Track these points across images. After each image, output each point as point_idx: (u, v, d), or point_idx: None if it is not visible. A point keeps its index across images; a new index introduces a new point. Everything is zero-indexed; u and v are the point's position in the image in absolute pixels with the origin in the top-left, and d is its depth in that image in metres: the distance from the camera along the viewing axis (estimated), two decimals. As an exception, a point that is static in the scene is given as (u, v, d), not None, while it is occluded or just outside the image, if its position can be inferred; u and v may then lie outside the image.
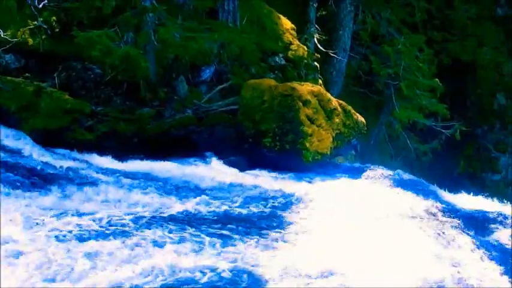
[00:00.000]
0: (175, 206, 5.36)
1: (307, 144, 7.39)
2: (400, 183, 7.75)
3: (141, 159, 6.97)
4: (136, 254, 4.13)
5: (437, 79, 10.54)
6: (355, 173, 7.99)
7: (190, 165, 7.12)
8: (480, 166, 12.56)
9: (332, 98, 8.21)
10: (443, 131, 10.99)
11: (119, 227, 4.57)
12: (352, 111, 8.37)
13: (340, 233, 5.38)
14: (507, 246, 5.96)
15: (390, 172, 8.36)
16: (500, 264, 5.35)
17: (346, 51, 10.66)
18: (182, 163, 7.08)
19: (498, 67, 12.18)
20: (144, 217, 4.90)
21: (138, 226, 4.67)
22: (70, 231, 4.33)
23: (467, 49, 11.98)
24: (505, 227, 6.45)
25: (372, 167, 8.61)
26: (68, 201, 5.20)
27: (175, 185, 6.24)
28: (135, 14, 7.29)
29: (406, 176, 8.44)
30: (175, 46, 7.48)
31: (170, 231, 4.67)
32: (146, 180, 6.21)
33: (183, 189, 6.17)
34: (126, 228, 4.58)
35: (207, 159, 7.43)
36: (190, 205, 5.45)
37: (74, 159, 6.65)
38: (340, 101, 8.38)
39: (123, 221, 4.70)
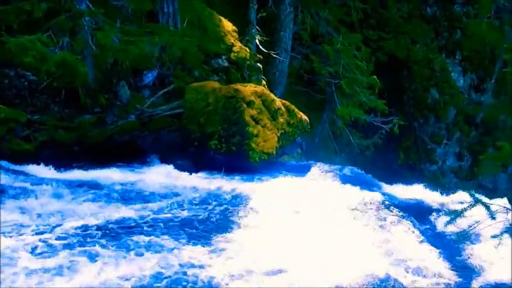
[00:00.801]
0: (119, 214, 5.19)
1: (253, 145, 7.45)
2: (345, 178, 7.98)
3: (84, 168, 6.75)
4: (80, 265, 4.03)
5: (375, 76, 10.96)
6: (301, 171, 8.15)
7: (136, 171, 6.99)
8: (418, 158, 13.11)
9: (275, 98, 8.32)
10: (383, 125, 11.43)
11: (60, 240, 4.40)
12: (296, 110, 8.52)
13: (287, 231, 5.47)
14: (445, 233, 6.27)
15: (335, 168, 8.61)
16: (439, 250, 5.65)
17: (287, 52, 10.85)
18: (127, 170, 6.93)
19: (430, 63, 12.80)
20: (87, 227, 4.74)
21: (80, 238, 4.52)
22: (7, 247, 4.14)
23: (402, 46, 12.52)
24: (442, 215, 6.77)
25: (317, 164, 8.82)
26: (4, 214, 4.95)
27: (119, 193, 6.07)
28: (70, 17, 7.04)
29: (350, 171, 8.70)
30: (114, 50, 7.30)
31: (113, 240, 4.55)
32: (89, 189, 6.01)
33: (128, 196, 6.02)
34: (67, 241, 4.42)
35: (153, 164, 7.33)
36: (136, 212, 5.33)
37: (11, 170, 6.35)
38: (284, 101, 8.52)
39: (65, 234, 4.54)
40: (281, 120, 8.01)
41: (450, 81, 13.02)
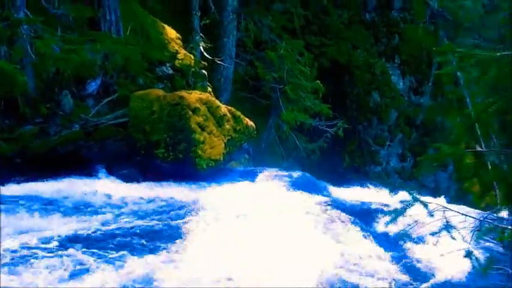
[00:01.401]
0: (63, 228, 5.04)
1: (200, 152, 7.42)
2: (292, 182, 8.10)
3: (26, 180, 6.47)
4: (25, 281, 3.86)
5: (318, 81, 11.22)
6: (249, 176, 8.20)
7: (81, 182, 6.77)
8: (363, 160, 13.48)
9: (221, 104, 8.34)
10: (328, 129, 11.70)
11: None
12: (242, 116, 8.58)
13: (236, 237, 5.48)
14: (391, 232, 6.48)
15: (282, 172, 8.73)
16: (386, 249, 5.85)
17: (232, 58, 10.90)
18: (71, 181, 6.70)
19: (371, 67, 13.25)
20: (27, 243, 4.55)
21: (20, 254, 4.33)
22: None
23: (343, 52, 12.89)
24: (386, 214, 6.99)
25: (264, 169, 8.92)
26: None
27: (63, 205, 5.88)
28: (8, 26, 6.76)
29: (297, 175, 8.85)
30: (55, 59, 7.07)
31: (60, 255, 4.40)
32: (31, 202, 5.78)
33: (72, 208, 5.84)
34: (10, 258, 4.23)
35: (99, 175, 7.12)
36: (80, 225, 5.18)
37: None
38: (229, 107, 8.55)
39: (7, 251, 4.33)
40: (227, 126, 8.03)
41: (390, 84, 13.50)
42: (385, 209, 6.98)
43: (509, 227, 2.88)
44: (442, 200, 7.96)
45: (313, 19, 12.59)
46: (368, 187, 9.44)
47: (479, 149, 3.88)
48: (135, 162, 7.49)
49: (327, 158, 12.64)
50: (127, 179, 7.13)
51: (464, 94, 9.11)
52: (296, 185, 7.94)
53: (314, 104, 11.09)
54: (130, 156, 7.52)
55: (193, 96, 7.80)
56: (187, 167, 7.43)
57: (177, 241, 5.19)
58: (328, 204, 7.12)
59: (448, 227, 3.37)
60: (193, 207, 6.23)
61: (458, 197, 12.09)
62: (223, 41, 10.82)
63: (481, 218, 2.98)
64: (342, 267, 5.26)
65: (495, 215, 4.99)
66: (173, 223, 5.68)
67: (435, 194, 10.80)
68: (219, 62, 10.35)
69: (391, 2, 13.53)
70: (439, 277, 5.28)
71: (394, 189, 9.84)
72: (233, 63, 10.97)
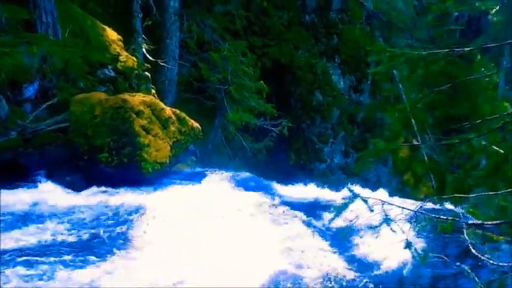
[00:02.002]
0: (3, 241, 4.82)
1: (145, 155, 7.31)
2: (239, 183, 8.16)
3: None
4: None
5: (262, 81, 11.35)
6: (196, 178, 8.18)
7: (19, 191, 6.47)
8: (308, 157, 13.79)
9: (165, 106, 8.25)
10: (273, 128, 11.87)
11: None
12: (187, 118, 8.53)
13: (186, 240, 5.46)
14: (334, 228, 6.67)
15: (229, 173, 8.76)
16: (332, 245, 6.03)
17: (175, 60, 10.81)
18: (9, 191, 6.39)
19: (312, 67, 13.57)
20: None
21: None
22: None
23: (285, 53, 13.12)
24: (329, 211, 7.18)
25: (211, 170, 8.93)
26: None
27: (4, 216, 5.60)
28: None
29: (244, 175, 8.93)
30: (-14, 62, 6.71)
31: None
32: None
33: (9, 220, 5.57)
34: None
35: (40, 183, 6.84)
36: (21, 237, 4.97)
37: None
38: (174, 109, 8.48)
39: None
40: (172, 128, 7.96)
41: (331, 83, 13.89)
42: (329, 204, 7.20)
43: (442, 217, 3.08)
44: (382, 194, 8.31)
45: (254, 20, 12.72)
46: (313, 184, 9.66)
47: (414, 143, 4.09)
48: (77, 168, 7.26)
49: (274, 157, 12.82)
50: (70, 185, 6.90)
51: (400, 91, 9.55)
52: (243, 185, 8.01)
53: (258, 104, 11.21)
54: (73, 162, 7.29)
55: (137, 98, 7.67)
56: (132, 171, 7.30)
57: (125, 248, 5.10)
58: (275, 203, 7.23)
59: (387, 220, 3.54)
60: (140, 212, 6.13)
61: (398, 190, 12.65)
62: (166, 42, 10.70)
63: (416, 210, 3.16)
64: (289, 264, 5.38)
65: (431, 205, 5.30)
66: (119, 230, 5.57)
67: (377, 187, 11.23)
68: (162, 63, 10.23)
69: (329, 4, 13.91)
70: (382, 268, 5.51)
71: (339, 185, 10.14)
72: (177, 65, 10.88)
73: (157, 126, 7.64)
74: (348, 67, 14.14)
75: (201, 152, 10.24)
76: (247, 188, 7.81)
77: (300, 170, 13.48)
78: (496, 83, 14.41)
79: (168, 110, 8.12)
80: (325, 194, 8.44)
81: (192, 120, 8.70)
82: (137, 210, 6.20)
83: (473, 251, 2.91)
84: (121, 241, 5.28)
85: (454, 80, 3.02)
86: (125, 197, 6.70)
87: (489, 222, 2.93)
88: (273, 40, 12.98)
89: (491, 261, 2.97)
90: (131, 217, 5.97)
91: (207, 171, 8.85)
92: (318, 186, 9.39)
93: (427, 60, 3.07)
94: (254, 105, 11.15)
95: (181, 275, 4.58)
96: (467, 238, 2.93)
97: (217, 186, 7.92)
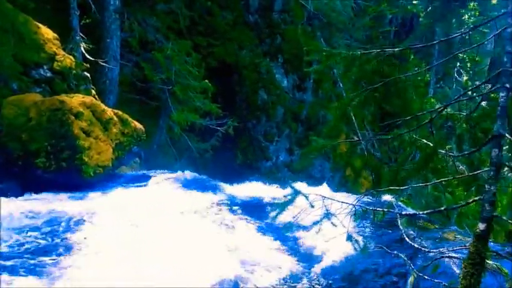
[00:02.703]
0: None
1: (86, 159, 7.08)
2: (186, 183, 8.08)
3: None
4: None
5: (207, 81, 11.29)
6: (141, 181, 8.02)
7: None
8: (254, 156, 13.87)
9: (106, 108, 8.02)
10: (219, 128, 11.84)
11: None
12: (130, 119, 8.34)
13: (131, 245, 5.35)
14: (279, 225, 6.74)
15: (175, 174, 8.66)
16: (279, 242, 6.11)
17: (117, 60, 10.51)
18: None
19: (257, 67, 13.67)
20: None
21: None
22: None
23: (230, 52, 13.13)
24: (273, 208, 7.25)
25: (157, 172, 8.77)
26: None
27: None
28: None
29: (190, 176, 8.85)
30: None
31: None
32: None
33: None
34: None
35: (-29, 191, 6.46)
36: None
37: None
38: (116, 110, 8.26)
39: None
40: (114, 130, 7.75)
41: (275, 82, 14.05)
42: (275, 202, 7.29)
43: (379, 209, 3.21)
44: (325, 189, 8.52)
45: (199, 20, 12.63)
46: (260, 182, 9.73)
47: (353, 138, 4.22)
48: (12, 174, 6.91)
49: (220, 156, 12.79)
50: (4, 193, 6.55)
51: (340, 90, 9.83)
52: (189, 185, 7.94)
53: (204, 103, 11.15)
54: (7, 168, 6.92)
55: (76, 100, 7.40)
56: (72, 176, 7.04)
57: (66, 256, 4.92)
58: (222, 202, 7.23)
59: (327, 214, 3.63)
60: (81, 218, 5.93)
61: (342, 185, 13.02)
62: (107, 41, 10.38)
63: (354, 203, 3.28)
64: (237, 263, 5.40)
65: (373, 198, 5.49)
66: (60, 237, 5.37)
67: (321, 183, 11.50)
68: (103, 63, 9.91)
69: (271, 4, 14.07)
70: (326, 261, 5.66)
71: (285, 182, 10.27)
72: (118, 65, 10.58)
73: (98, 128, 7.41)
74: (291, 66, 14.36)
75: (146, 153, 10.05)
76: (194, 189, 7.75)
77: (247, 169, 13.54)
78: (428, 81, 15.21)
79: (110, 111, 7.90)
80: (271, 192, 8.51)
81: (135, 121, 8.51)
82: (78, 216, 5.99)
83: (406, 239, 3.05)
84: (61, 249, 5.09)
85: (385, 79, 3.16)
86: (65, 203, 6.46)
87: (421, 212, 3.08)
88: (217, 40, 12.94)
89: (423, 248, 3.13)
90: (72, 224, 5.76)
91: (152, 173, 8.69)
92: (264, 184, 9.45)
93: (361, 59, 3.19)
94: (199, 105, 11.07)
95: (126, 280, 4.48)
96: (401, 228, 3.06)
97: (163, 188, 7.80)
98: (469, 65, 17.24)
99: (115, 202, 6.68)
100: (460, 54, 17.31)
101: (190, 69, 10.79)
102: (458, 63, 17.33)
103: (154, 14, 11.23)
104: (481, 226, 2.69)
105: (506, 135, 2.68)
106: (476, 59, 16.30)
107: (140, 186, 7.70)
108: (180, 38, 11.68)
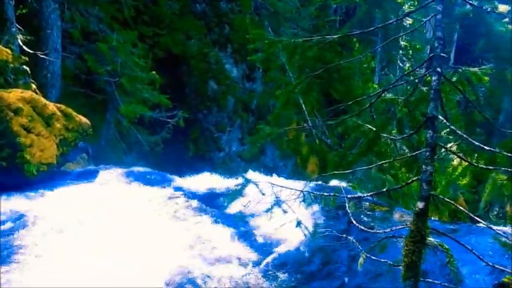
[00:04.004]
0: None
1: (28, 157, 6.76)
2: (136, 178, 7.91)
3: None
4: None
5: (154, 72, 11.03)
6: (89, 177, 7.76)
7: None
8: (207, 147, 13.76)
9: (48, 102, 7.68)
10: (169, 120, 11.64)
11: None
12: (74, 113, 8.03)
13: (80, 243, 5.20)
14: (236, 214, 6.73)
15: (125, 169, 8.44)
16: (234, 232, 6.11)
17: (58, 51, 10.04)
18: None
19: (205, 57, 13.52)
20: None
21: None
22: None
23: (177, 42, 12.89)
24: (224, 198, 7.22)
25: (106, 167, 8.51)
26: None
27: None
28: None
29: (141, 169, 8.65)
30: None
31: None
32: None
33: None
34: None
35: None
36: None
37: None
38: (59, 105, 7.92)
39: None
40: (58, 125, 7.44)
41: (225, 72, 13.97)
42: (225, 192, 7.28)
43: (325, 194, 3.26)
44: (277, 177, 8.60)
45: (144, 9, 12.30)
46: (214, 173, 9.68)
47: (301, 125, 4.25)
48: None
49: (172, 149, 12.61)
50: None
51: (289, 78, 9.90)
52: (139, 180, 7.78)
53: (152, 95, 10.90)
54: None
55: (14, 95, 7.04)
56: (14, 175, 6.71)
57: (8, 259, 4.70)
58: (173, 196, 7.13)
59: (278, 202, 3.65)
60: (24, 219, 5.68)
61: (294, 172, 13.18)
62: (46, 33, 9.87)
63: (302, 189, 3.31)
64: (192, 257, 5.37)
65: (323, 183, 5.57)
66: (4, 240, 5.12)
67: (274, 171, 11.60)
68: (42, 56, 9.42)
69: (219, -6, 13.94)
70: (279, 248, 5.73)
71: (238, 173, 10.29)
72: (60, 57, 10.11)
73: (40, 124, 7.09)
74: (240, 56, 14.31)
75: (94, 148, 9.72)
76: (144, 183, 7.60)
77: (200, 160, 13.44)
78: (373, 68, 15.68)
79: (52, 106, 7.57)
80: (225, 182, 8.49)
81: (80, 116, 8.21)
82: (21, 217, 5.74)
83: (353, 222, 3.13)
84: (5, 252, 4.86)
85: (327, 65, 3.20)
86: (6, 204, 6.15)
87: (366, 194, 3.16)
88: (164, 30, 12.66)
89: (369, 230, 3.22)
90: (14, 225, 5.51)
91: (100, 168, 8.42)
92: (217, 175, 9.40)
93: (303, 46, 3.22)
94: (148, 96, 10.81)
95: (77, 280, 4.35)
96: (349, 211, 3.14)
97: (112, 184, 7.60)
98: (411, 52, 17.92)
99: (60, 200, 6.45)
100: (403, 42, 17.95)
101: (136, 60, 10.50)
102: (401, 51, 17.96)
103: (97, 3, 10.80)
104: (420, 205, 2.82)
105: (440, 116, 2.80)
106: (417, 46, 16.96)
107: (88, 182, 7.45)
108: (125, 28, 11.34)
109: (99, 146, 10.51)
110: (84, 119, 8.23)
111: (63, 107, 7.88)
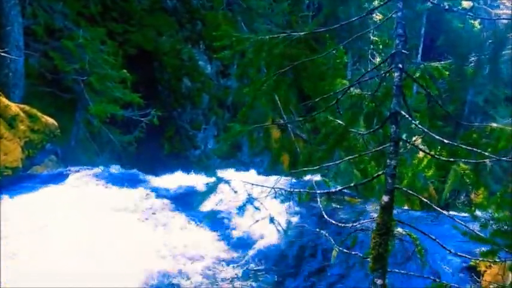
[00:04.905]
0: None
1: (-10, 161, 6.50)
2: (109, 179, 7.72)
3: None
4: None
5: (125, 70, 10.77)
6: (58, 179, 7.53)
7: None
8: (182, 145, 13.62)
9: (11, 103, 7.41)
10: (142, 119, 11.41)
11: None
12: (39, 114, 7.77)
13: (52, 247, 5.06)
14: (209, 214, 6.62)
15: (97, 169, 8.23)
16: (210, 230, 6.05)
17: (20, 49, 9.60)
18: None
19: (178, 53, 13.33)
20: None
21: None
22: None
23: (148, 39, 12.65)
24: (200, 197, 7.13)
25: (76, 168, 8.28)
26: None
27: None
28: None
29: (114, 170, 8.47)
30: None
31: None
32: None
33: None
34: None
35: None
36: None
37: None
38: (23, 106, 7.65)
39: None
40: (22, 127, 7.18)
41: (199, 69, 13.80)
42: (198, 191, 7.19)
43: (296, 190, 3.22)
44: (253, 173, 8.54)
45: (112, 5, 12.00)
46: (188, 171, 9.57)
47: (273, 123, 4.19)
48: None
49: (146, 148, 12.43)
50: None
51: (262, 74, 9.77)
52: (112, 181, 7.60)
53: (124, 93, 10.63)
54: None
55: (-26, 96, 6.75)
56: (-25, 180, 6.44)
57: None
58: (148, 196, 7.01)
59: (250, 199, 3.59)
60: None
61: (271, 168, 13.13)
62: (7, 30, 9.42)
63: (273, 186, 3.26)
64: (167, 256, 5.29)
65: (301, 179, 5.53)
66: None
67: (252, 167, 11.54)
68: (3, 54, 9.01)
69: (191, -11, 13.72)
70: (255, 245, 5.71)
71: (214, 170, 10.17)
72: (23, 55, 9.69)
73: (3, 126, 6.82)
74: (213, 52, 14.15)
75: (63, 150, 9.44)
76: (118, 183, 7.43)
77: (175, 159, 13.29)
78: (346, 62, 15.80)
79: (15, 107, 7.29)
80: (200, 180, 8.38)
81: (47, 116, 7.95)
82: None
83: (325, 216, 3.12)
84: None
85: (294, 63, 3.20)
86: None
87: (335, 189, 3.16)
88: (134, 26, 12.40)
89: (339, 224, 3.22)
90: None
91: (70, 170, 8.18)
92: (192, 173, 9.30)
93: (270, 43, 3.20)
94: (119, 95, 10.53)
95: (47, 281, 4.21)
96: (320, 206, 3.13)
97: (83, 185, 7.40)
98: (381, 46, 18.16)
99: (29, 205, 6.23)
100: (375, 38, 18.17)
101: (106, 57, 10.22)
102: (372, 46, 18.18)
103: (62, -1, 10.44)
104: (385, 198, 2.90)
105: (402, 112, 2.86)
106: (387, 41, 17.22)
107: (57, 185, 7.23)
108: (92, 25, 11.03)
109: (69, 148, 10.22)
110: (50, 120, 7.97)
111: (27, 107, 7.61)
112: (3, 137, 6.71)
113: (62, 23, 10.25)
